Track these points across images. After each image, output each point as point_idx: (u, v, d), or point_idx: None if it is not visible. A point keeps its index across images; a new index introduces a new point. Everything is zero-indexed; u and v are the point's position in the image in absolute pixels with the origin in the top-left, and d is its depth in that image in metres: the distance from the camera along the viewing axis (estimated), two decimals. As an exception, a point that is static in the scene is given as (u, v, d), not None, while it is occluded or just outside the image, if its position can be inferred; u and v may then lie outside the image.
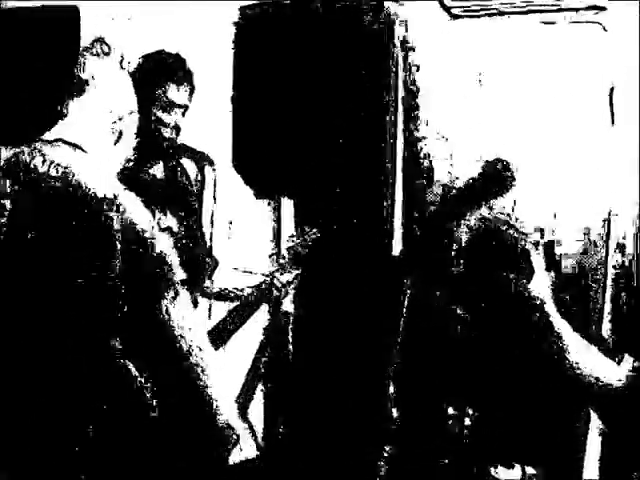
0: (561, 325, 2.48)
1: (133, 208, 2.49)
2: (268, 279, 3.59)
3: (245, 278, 3.81)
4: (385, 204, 3.63)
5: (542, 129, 3.49)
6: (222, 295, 3.81)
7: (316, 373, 3.68)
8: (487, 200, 3.50)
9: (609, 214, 3.50)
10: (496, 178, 3.38)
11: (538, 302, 2.42)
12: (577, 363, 2.49)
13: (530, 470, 3.50)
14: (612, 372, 2.51)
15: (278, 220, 3.71)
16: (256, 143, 3.68)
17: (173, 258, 2.52)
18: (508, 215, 3.54)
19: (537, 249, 2.47)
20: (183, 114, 3.61)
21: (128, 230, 2.45)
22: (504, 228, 3.32)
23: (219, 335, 3.58)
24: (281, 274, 3.57)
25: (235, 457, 3.41)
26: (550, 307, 2.44)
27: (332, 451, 3.62)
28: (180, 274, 2.52)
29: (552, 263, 3.54)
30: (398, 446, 3.61)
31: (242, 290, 3.74)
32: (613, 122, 3.39)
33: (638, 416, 2.36)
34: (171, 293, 2.50)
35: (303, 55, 3.58)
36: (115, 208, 2.45)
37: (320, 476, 3.64)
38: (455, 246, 3.60)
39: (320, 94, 3.57)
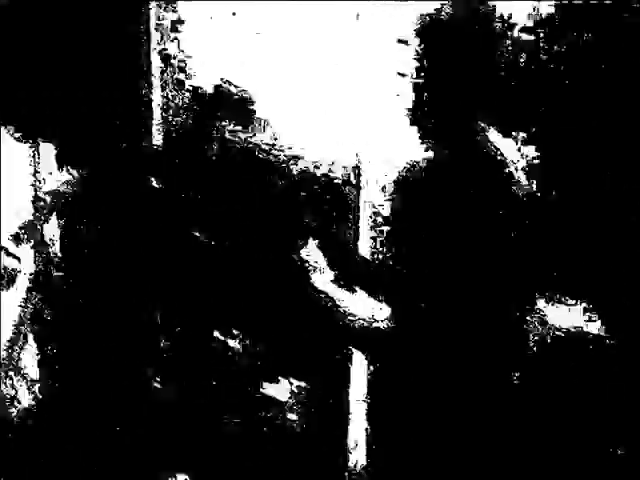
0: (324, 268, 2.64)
1: None
2: None
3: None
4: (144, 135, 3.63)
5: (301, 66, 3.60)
6: None
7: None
8: (224, 118, 3.61)
9: (358, 156, 3.70)
10: (229, 100, 3.51)
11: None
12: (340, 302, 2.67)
13: (297, 383, 3.72)
14: (377, 313, 2.72)
15: (36, 162, 3.59)
16: (15, 85, 3.54)
17: None
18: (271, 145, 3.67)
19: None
20: None
21: None
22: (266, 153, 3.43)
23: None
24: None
25: (11, 409, 3.38)
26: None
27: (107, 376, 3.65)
28: None
29: (325, 195, 3.72)
30: (168, 372, 3.70)
31: None
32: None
33: (403, 355, 2.59)
34: None
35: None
36: None
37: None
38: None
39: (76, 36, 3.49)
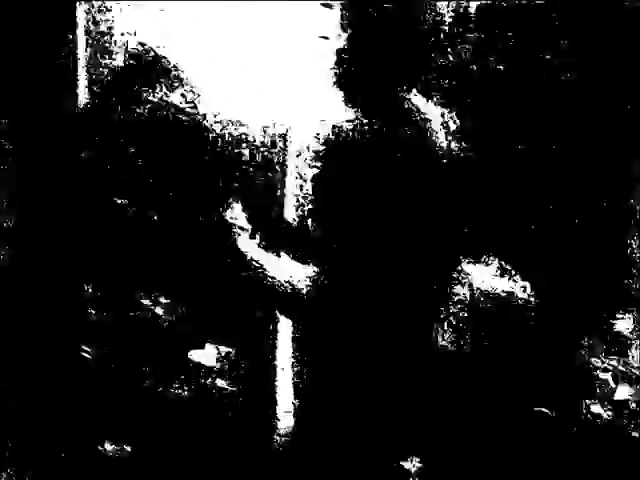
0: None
1: None
2: None
3: None
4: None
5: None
6: None
7: None
8: (138, 85, 3.59)
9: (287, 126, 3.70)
10: (142, 69, 3.47)
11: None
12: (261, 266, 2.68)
13: (224, 349, 3.73)
14: (301, 277, 2.73)
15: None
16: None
17: None
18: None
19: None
20: None
21: None
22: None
23: None
24: None
25: None
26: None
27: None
28: None
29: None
30: (97, 341, 3.68)
31: None
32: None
33: (328, 319, 2.61)
34: None
35: None
36: None
37: None
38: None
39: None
